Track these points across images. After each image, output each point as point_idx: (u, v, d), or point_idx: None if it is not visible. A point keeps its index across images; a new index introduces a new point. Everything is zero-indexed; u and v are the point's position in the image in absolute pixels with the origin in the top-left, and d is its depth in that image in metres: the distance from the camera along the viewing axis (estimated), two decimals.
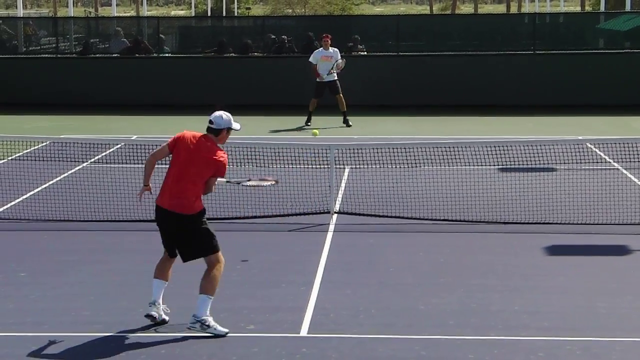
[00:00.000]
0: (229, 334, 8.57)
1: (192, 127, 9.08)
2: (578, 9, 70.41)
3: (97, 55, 28.57)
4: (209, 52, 27.90)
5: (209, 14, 61.12)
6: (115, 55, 27.84)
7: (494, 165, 14.83)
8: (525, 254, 11.52)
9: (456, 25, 31.66)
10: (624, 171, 15.83)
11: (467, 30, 29.45)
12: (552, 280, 10.42)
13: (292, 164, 14.75)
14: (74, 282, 10.39)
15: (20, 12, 33.78)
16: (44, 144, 17.02)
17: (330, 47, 22.65)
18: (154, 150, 9.00)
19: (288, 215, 13.28)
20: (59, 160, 15.08)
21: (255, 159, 14.56)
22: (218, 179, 8.87)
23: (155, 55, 27.42)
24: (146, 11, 55.09)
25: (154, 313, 8.79)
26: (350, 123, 22.55)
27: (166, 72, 26.60)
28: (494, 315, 9.20)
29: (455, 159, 15.50)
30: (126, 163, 14.96)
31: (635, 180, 15.44)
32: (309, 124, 22.47)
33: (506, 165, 14.57)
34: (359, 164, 15.64)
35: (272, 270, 10.84)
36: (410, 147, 14.83)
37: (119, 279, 10.45)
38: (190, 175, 8.65)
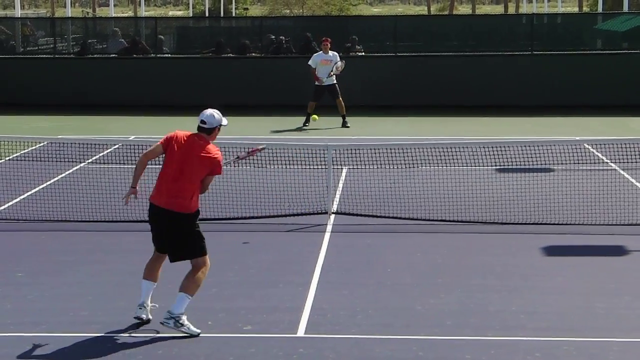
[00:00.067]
0: (227, 334, 8.57)
1: (191, 127, 9.06)
2: (576, 9, 70.43)
3: (95, 56, 28.52)
4: (207, 53, 27.88)
5: (207, 14, 61.01)
6: (113, 55, 27.78)
7: (492, 166, 14.83)
8: (523, 255, 11.53)
9: (454, 25, 31.62)
10: (622, 172, 15.84)
11: (465, 31, 29.44)
12: (550, 281, 10.42)
13: (289, 164, 14.74)
14: (72, 282, 10.39)
15: (18, 12, 33.71)
16: (42, 144, 17.02)
17: (329, 51, 22.67)
18: (146, 150, 8.98)
19: (285, 215, 13.28)
20: (57, 161, 15.08)
21: (254, 158, 14.50)
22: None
23: (153, 55, 27.39)
24: (144, 11, 55.01)
25: (143, 316, 8.84)
26: (349, 124, 22.57)
27: (164, 72, 26.57)
28: (492, 316, 9.20)
29: (453, 159, 15.49)
30: (124, 163, 14.94)
31: (633, 180, 15.45)
32: (307, 124, 22.50)
33: (504, 165, 14.56)
34: (357, 164, 15.63)
35: (270, 271, 10.83)
36: (408, 148, 14.84)
37: (117, 279, 10.45)
38: (187, 174, 8.65)
